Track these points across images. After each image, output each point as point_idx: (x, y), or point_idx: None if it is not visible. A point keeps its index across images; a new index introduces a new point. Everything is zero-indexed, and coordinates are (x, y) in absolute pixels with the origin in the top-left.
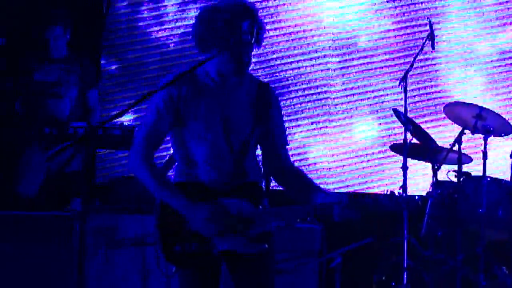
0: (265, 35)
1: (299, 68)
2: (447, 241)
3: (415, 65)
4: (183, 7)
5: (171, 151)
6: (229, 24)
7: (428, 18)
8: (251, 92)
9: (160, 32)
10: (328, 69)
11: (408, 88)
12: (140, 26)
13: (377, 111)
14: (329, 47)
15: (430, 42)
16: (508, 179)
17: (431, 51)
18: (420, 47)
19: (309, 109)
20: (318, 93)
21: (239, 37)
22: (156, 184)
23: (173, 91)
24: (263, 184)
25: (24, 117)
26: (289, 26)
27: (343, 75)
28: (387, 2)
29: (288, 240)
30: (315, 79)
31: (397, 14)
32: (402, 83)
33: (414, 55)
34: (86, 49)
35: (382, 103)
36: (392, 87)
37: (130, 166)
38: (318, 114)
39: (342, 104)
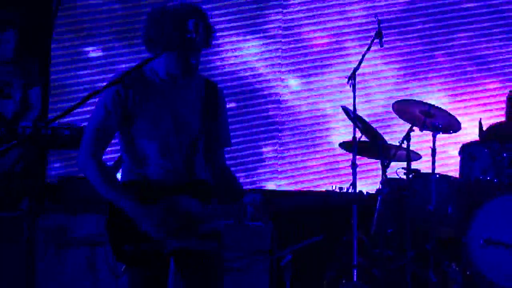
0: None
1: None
2: (397, 238)
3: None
4: None
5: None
6: (174, 23)
7: (376, 16)
8: (199, 91)
9: None
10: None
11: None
12: None
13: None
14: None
15: (378, 40)
16: (457, 176)
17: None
18: (368, 45)
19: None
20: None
21: (184, 35)
22: (105, 184)
23: (121, 89)
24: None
25: None
26: None
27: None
28: None
29: (238, 238)
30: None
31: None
32: (350, 81)
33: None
34: (32, 49)
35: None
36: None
37: (79, 164)
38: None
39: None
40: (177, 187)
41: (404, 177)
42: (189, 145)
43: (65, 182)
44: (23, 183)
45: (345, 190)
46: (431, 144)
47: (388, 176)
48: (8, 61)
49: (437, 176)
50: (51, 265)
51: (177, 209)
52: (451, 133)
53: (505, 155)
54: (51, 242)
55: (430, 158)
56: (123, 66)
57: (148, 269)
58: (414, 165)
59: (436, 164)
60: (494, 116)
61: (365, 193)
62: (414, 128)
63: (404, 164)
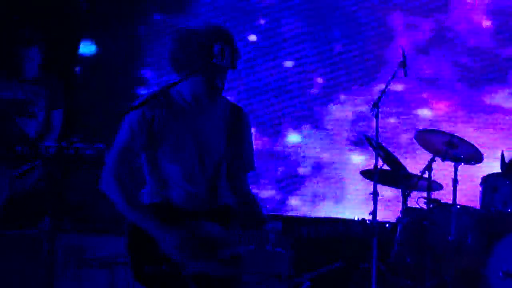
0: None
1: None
2: (416, 267)
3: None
4: None
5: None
6: (200, 46)
7: (400, 45)
8: (224, 114)
9: None
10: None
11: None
12: None
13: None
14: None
15: (402, 69)
16: (478, 207)
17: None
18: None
19: None
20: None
21: (210, 59)
22: (126, 205)
23: (147, 112)
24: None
25: None
26: None
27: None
28: None
29: (258, 264)
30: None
31: None
32: (374, 110)
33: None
34: (56, 69)
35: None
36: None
37: (101, 184)
38: None
39: None
40: (200, 212)
41: (425, 206)
42: (212, 169)
43: (85, 202)
44: (44, 201)
45: (366, 220)
46: (452, 175)
47: (409, 206)
48: (33, 80)
49: (458, 206)
50: (70, 284)
51: (199, 233)
52: (473, 164)
53: None
54: (70, 262)
55: (451, 189)
56: None
57: None
58: (435, 195)
59: (458, 194)
60: None
61: (387, 225)
62: (436, 158)
63: (425, 193)
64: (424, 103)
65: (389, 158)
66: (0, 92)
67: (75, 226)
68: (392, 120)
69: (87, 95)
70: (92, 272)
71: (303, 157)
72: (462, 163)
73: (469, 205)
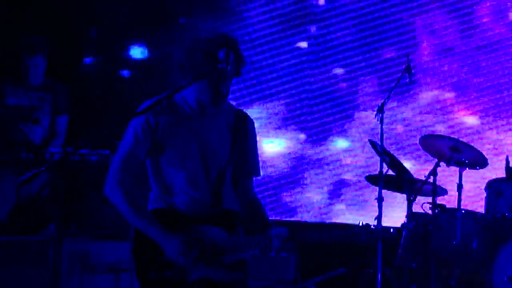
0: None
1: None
2: (421, 272)
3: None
4: None
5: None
6: (205, 53)
7: (406, 53)
8: (229, 120)
9: None
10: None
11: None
12: None
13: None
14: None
15: (407, 75)
16: (483, 212)
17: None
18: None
19: None
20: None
21: (214, 65)
22: (131, 211)
23: (151, 118)
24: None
25: None
26: None
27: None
28: None
29: (263, 269)
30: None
31: None
32: (378, 115)
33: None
34: (61, 75)
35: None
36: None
37: (106, 191)
38: None
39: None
40: (204, 217)
41: (430, 211)
42: (217, 175)
43: (91, 208)
44: (49, 207)
45: (371, 226)
46: (457, 180)
47: (414, 211)
48: (38, 86)
49: (463, 211)
50: None
51: (203, 238)
52: (477, 169)
53: None
54: (76, 267)
55: (456, 193)
56: None
57: None
58: (440, 200)
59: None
60: None
61: (391, 230)
62: (441, 163)
63: (430, 198)
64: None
65: (394, 163)
66: (6, 99)
67: (81, 232)
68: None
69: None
70: (97, 277)
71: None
72: (467, 168)
73: (474, 210)
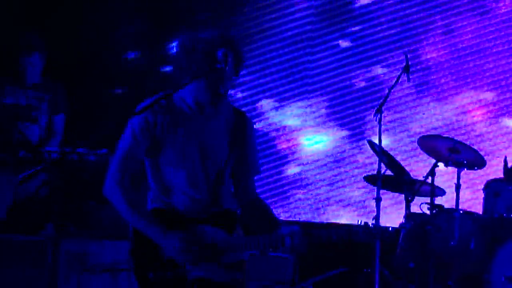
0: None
1: None
2: (419, 272)
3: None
4: None
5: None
6: (203, 53)
7: (404, 51)
8: (228, 120)
9: None
10: None
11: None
12: None
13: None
14: None
15: (405, 74)
16: (481, 212)
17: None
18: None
19: None
20: None
21: (213, 65)
22: (130, 210)
23: (149, 117)
24: (238, 211)
25: None
26: None
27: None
28: None
29: (261, 268)
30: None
31: None
32: (377, 115)
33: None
34: (59, 74)
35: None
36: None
37: (105, 191)
38: None
39: None
40: (203, 217)
41: (428, 212)
42: (215, 175)
43: (89, 208)
44: (47, 207)
45: (370, 224)
46: (455, 180)
47: (412, 211)
48: (35, 86)
49: (461, 212)
50: None
51: (202, 238)
52: (476, 169)
53: None
54: (74, 267)
55: (454, 194)
56: None
57: None
58: (438, 200)
59: (460, 200)
60: None
61: (389, 229)
62: (439, 163)
63: (428, 199)
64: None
65: (392, 164)
66: (4, 98)
67: (79, 231)
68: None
69: None
70: (95, 278)
71: None
72: (465, 169)
73: (472, 210)
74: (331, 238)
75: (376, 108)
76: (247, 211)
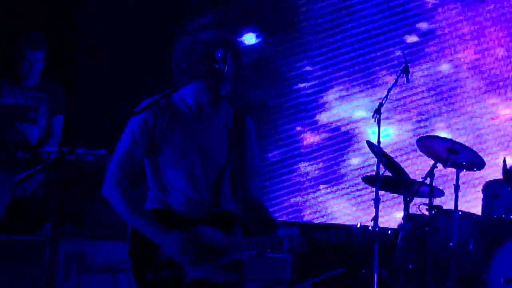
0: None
1: None
2: (418, 273)
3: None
4: None
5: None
6: (202, 53)
7: (402, 51)
8: (227, 120)
9: None
10: None
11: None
12: None
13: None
14: None
15: (404, 75)
16: (479, 213)
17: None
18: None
19: None
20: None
21: (211, 66)
22: (129, 211)
23: (148, 117)
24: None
25: None
26: None
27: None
28: None
29: (259, 269)
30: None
31: None
32: (376, 115)
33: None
34: (58, 75)
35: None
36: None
37: (104, 191)
38: None
39: None
40: (201, 218)
41: (427, 213)
42: (215, 175)
43: (87, 208)
44: (45, 207)
45: (368, 227)
46: (454, 181)
47: (410, 212)
48: (34, 86)
49: (459, 213)
50: None
51: (200, 239)
52: (474, 170)
53: None
54: (72, 267)
55: (453, 195)
56: None
57: None
58: (437, 201)
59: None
60: None
61: (389, 232)
62: (438, 164)
63: (427, 200)
64: None
65: (391, 164)
66: (2, 98)
67: (77, 232)
68: None
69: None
70: (94, 278)
71: None
72: (464, 170)
73: (470, 211)
74: (330, 240)
75: (375, 109)
76: (246, 212)
